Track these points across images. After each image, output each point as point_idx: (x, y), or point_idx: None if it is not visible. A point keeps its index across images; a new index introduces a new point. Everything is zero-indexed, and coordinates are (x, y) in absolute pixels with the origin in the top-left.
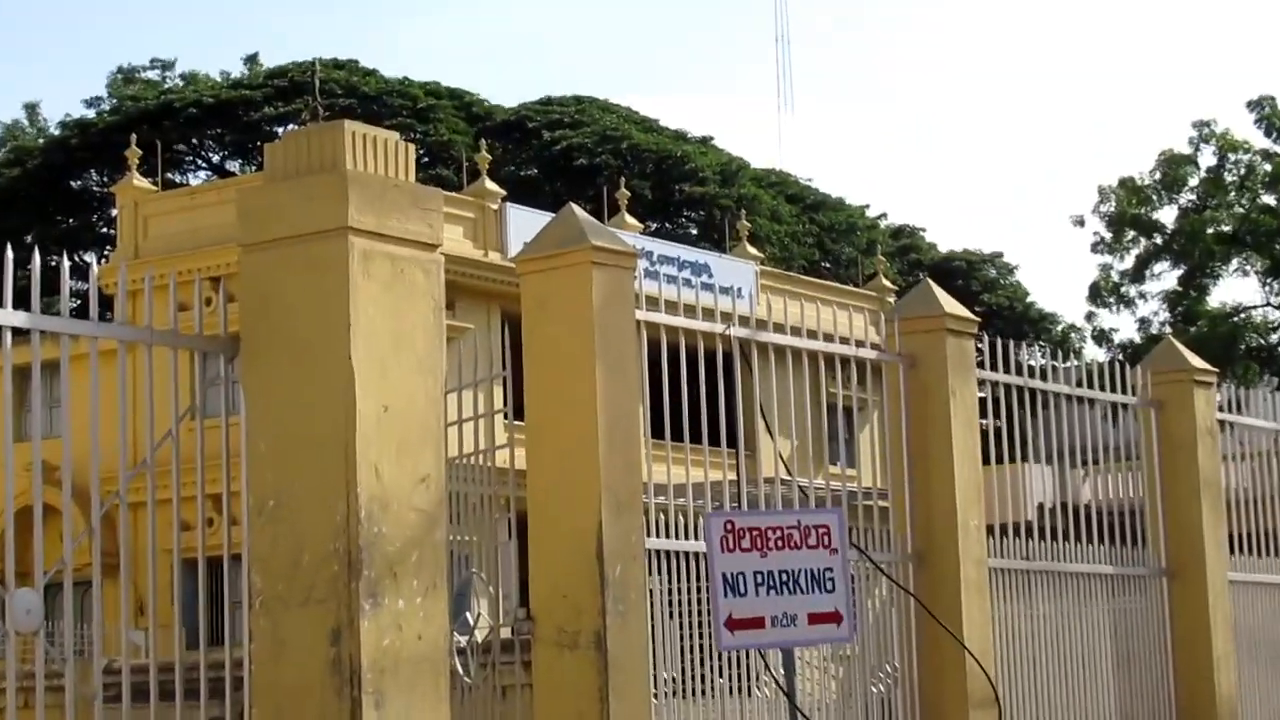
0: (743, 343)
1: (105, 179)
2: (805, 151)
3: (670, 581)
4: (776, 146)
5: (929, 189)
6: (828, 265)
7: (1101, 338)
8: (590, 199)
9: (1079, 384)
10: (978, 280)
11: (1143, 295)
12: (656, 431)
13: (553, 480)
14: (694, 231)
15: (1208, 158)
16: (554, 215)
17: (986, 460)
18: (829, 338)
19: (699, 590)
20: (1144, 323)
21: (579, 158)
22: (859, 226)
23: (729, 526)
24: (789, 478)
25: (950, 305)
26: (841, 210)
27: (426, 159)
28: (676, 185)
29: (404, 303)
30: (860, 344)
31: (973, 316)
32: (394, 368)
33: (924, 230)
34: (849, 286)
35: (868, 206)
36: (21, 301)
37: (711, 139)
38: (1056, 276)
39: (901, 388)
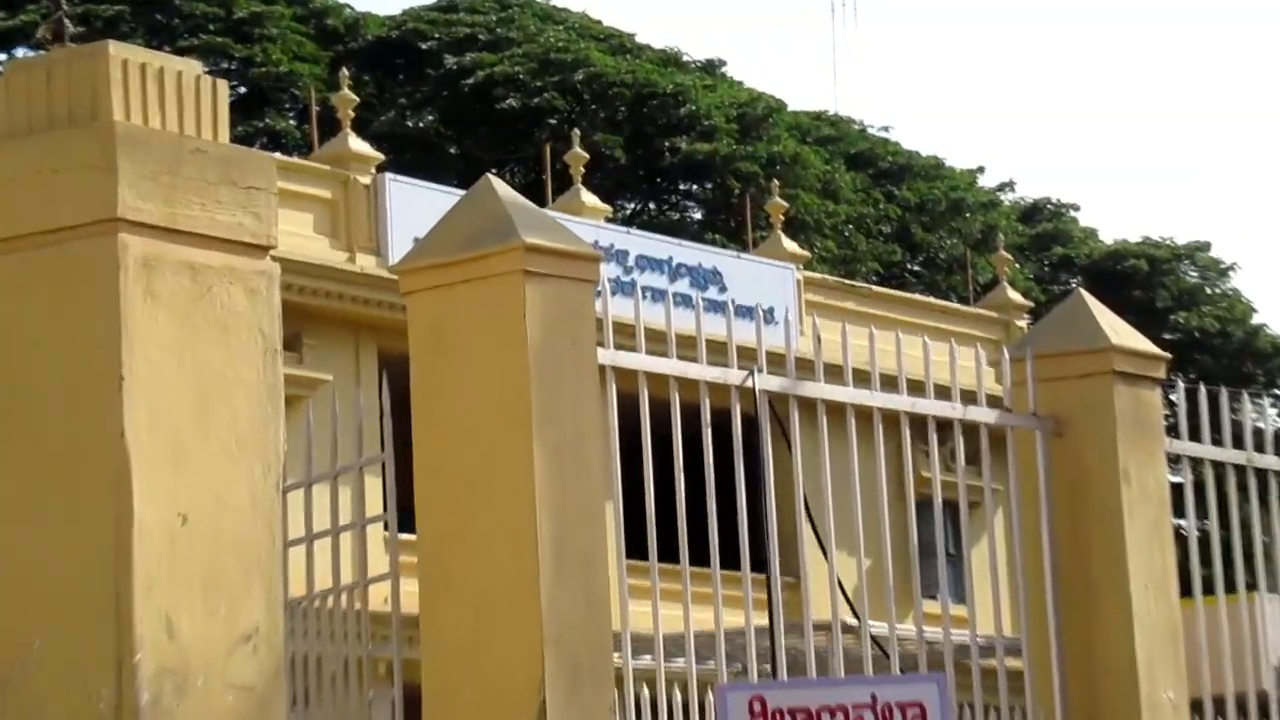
0: (775, 399)
1: None
2: (872, 90)
3: None
4: (829, 77)
5: (1076, 148)
6: (917, 268)
7: None
8: (524, 165)
9: None
10: (1167, 290)
11: None
12: (636, 547)
13: (464, 633)
14: (696, 216)
15: None
16: (463, 193)
17: (1189, 590)
18: (918, 388)
19: None
20: None
21: (504, 98)
22: (968, 205)
23: (757, 707)
24: (855, 621)
25: (1121, 333)
26: (938, 178)
27: (252, 104)
28: (666, 141)
29: (213, 342)
30: (971, 398)
31: (1159, 351)
32: (197, 450)
33: (1075, 209)
34: (952, 303)
35: (980, 171)
36: None
37: (721, 66)
38: None
39: (1041, 469)
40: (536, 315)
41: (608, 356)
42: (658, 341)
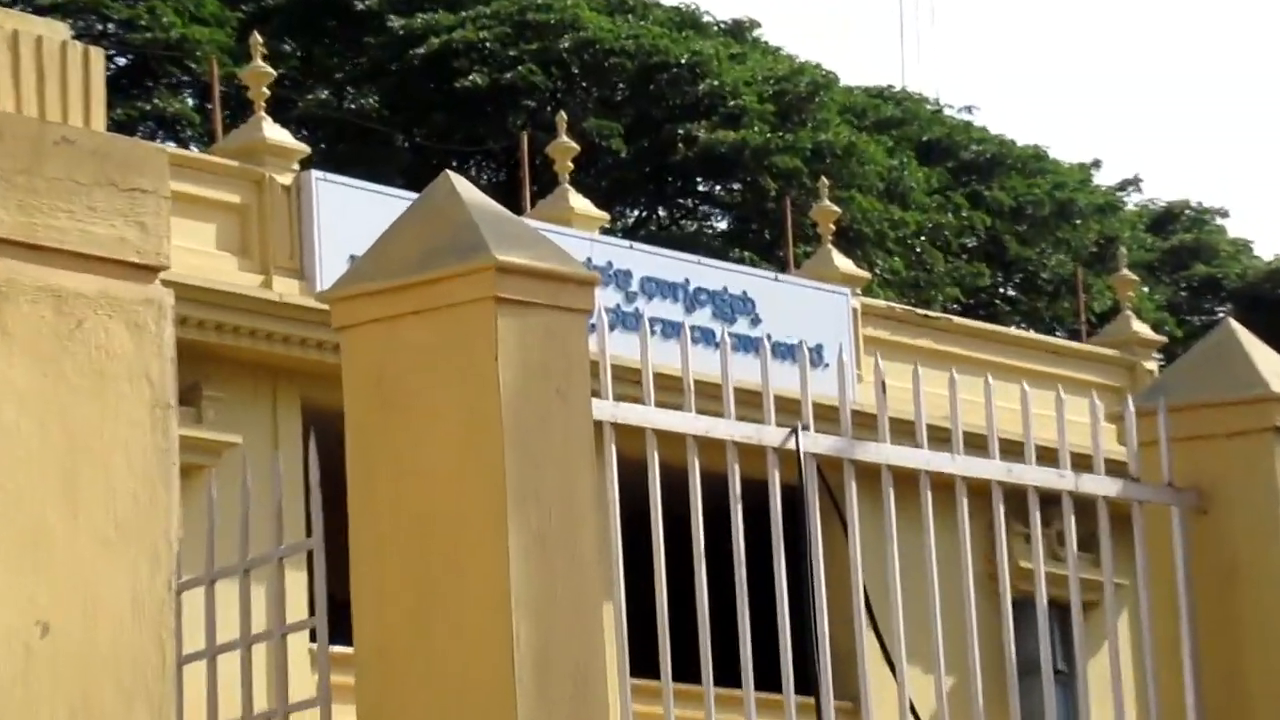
0: (826, 464)
1: None
2: (950, 61)
3: None
4: (893, 43)
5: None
6: (1012, 293)
7: None
8: (494, 160)
9: None
10: None
11: None
12: (644, 662)
13: None
14: (720, 226)
15: None
16: (414, 196)
17: None
18: (1015, 450)
19: None
20: None
21: (466, 71)
22: (1080, 209)
23: None
24: None
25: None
26: (1039, 175)
27: (137, 79)
28: (680, 128)
29: (84, 394)
30: (1086, 464)
31: None
32: (63, 538)
33: (1221, 215)
34: (1059, 339)
35: (1095, 167)
36: None
37: (752, 29)
38: None
39: (1179, 556)
40: (513, 356)
41: (606, 410)
42: (671, 390)
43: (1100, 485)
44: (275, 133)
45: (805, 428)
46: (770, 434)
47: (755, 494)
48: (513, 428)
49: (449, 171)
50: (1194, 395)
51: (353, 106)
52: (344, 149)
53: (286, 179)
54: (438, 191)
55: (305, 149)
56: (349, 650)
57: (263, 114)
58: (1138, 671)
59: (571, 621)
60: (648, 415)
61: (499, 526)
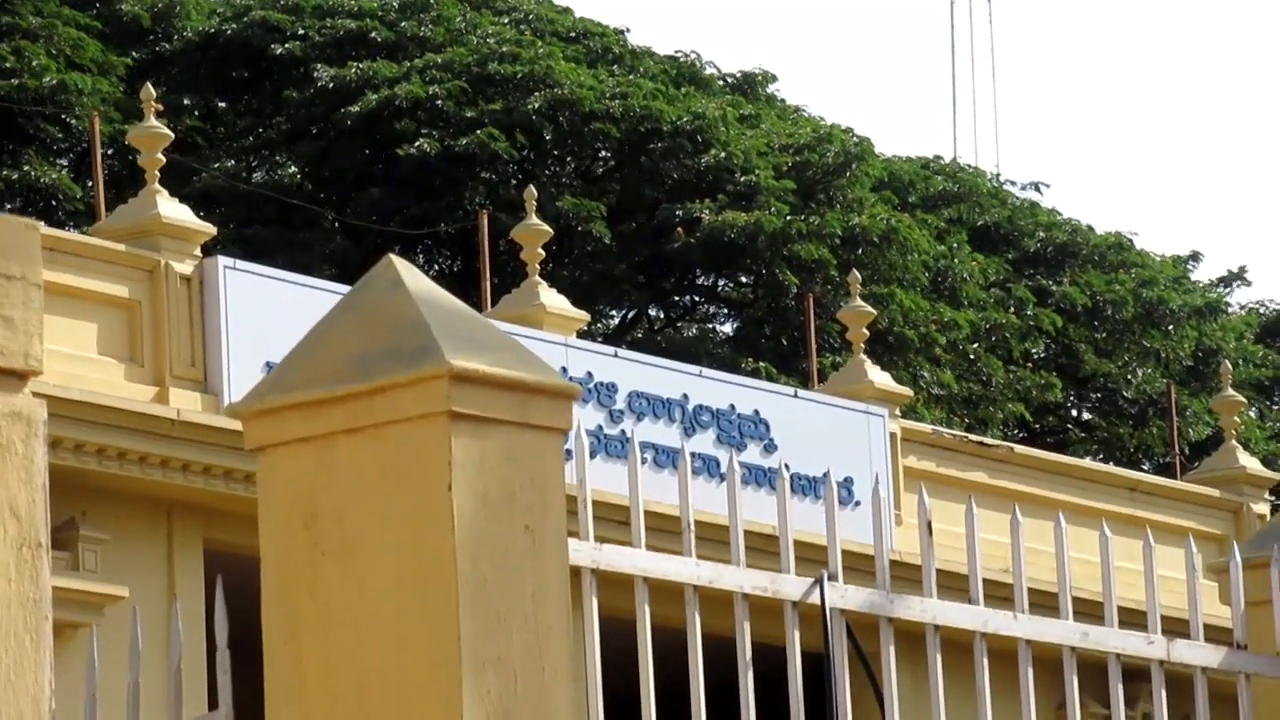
0: (857, 623)
1: None
2: (1013, 135)
3: None
4: (942, 108)
5: None
6: (1087, 417)
7: None
8: (447, 245)
9: None
10: None
11: None
12: None
13: None
14: (726, 330)
15: None
16: (346, 289)
17: None
18: (1093, 610)
19: None
20: None
21: (412, 135)
22: (1173, 312)
23: None
24: None
25: None
26: (1122, 268)
27: (1, 138)
28: (678, 208)
29: None
30: (1180, 628)
31: None
32: None
33: None
34: (1146, 474)
35: (1194, 261)
36: None
37: (768, 84)
38: None
39: None
40: (471, 485)
41: (586, 553)
42: (667, 532)
43: (1198, 654)
44: (173, 209)
45: (833, 578)
46: (789, 585)
47: (770, 659)
48: (470, 574)
49: (392, 256)
50: None
51: (269, 178)
52: (258, 230)
53: (186, 267)
54: (378, 281)
55: (210, 229)
56: None
57: (157, 186)
58: None
59: None
60: (638, 560)
61: (452, 699)
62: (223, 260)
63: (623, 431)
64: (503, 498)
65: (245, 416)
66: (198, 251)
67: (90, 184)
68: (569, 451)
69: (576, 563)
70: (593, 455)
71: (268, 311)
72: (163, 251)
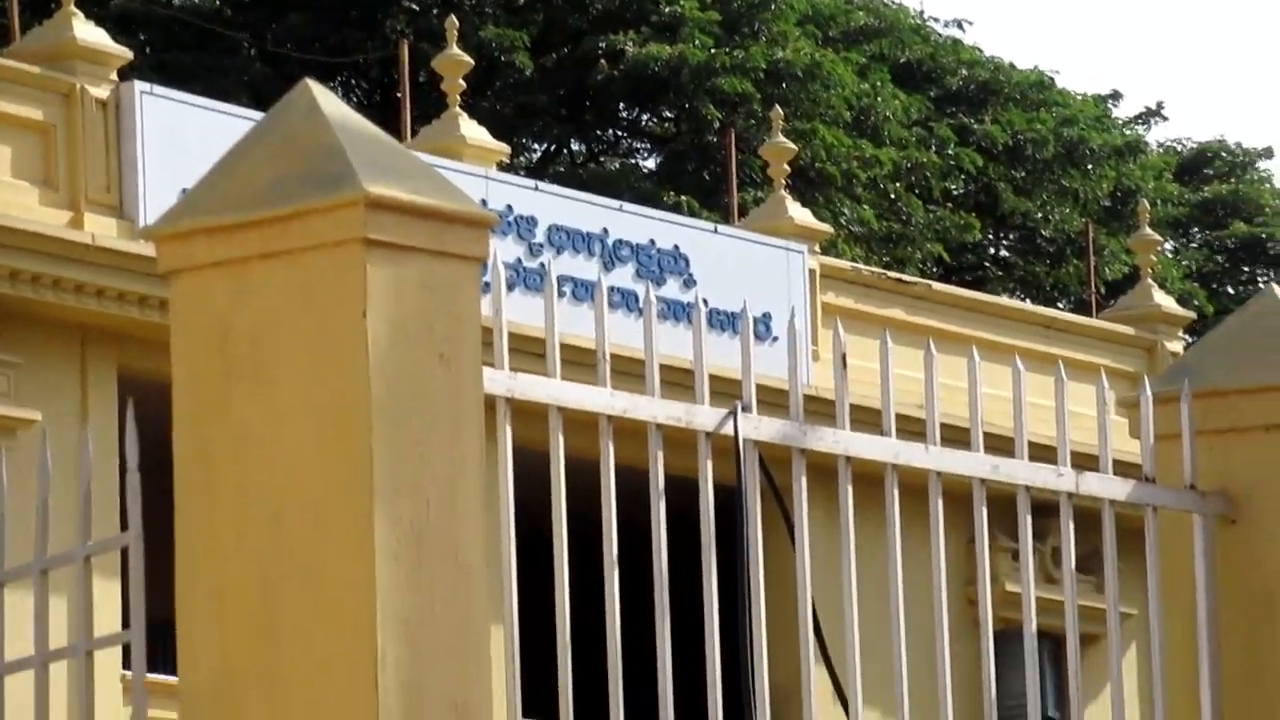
0: (770, 455)
1: None
2: None
3: None
4: None
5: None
6: (1006, 254)
7: None
8: (365, 75)
9: None
10: None
11: None
12: (540, 698)
13: None
14: (648, 165)
15: None
16: (262, 115)
17: None
18: (1000, 445)
19: None
20: None
21: None
22: (1093, 151)
23: None
24: None
25: None
26: (1043, 107)
27: None
28: (600, 40)
29: None
30: (1088, 463)
31: None
32: None
33: (1265, 157)
34: (1063, 312)
35: (1114, 100)
36: None
37: None
38: None
39: (1201, 576)
40: (385, 312)
41: (501, 382)
42: (583, 366)
43: (1107, 487)
44: (89, 33)
45: (746, 409)
46: (703, 416)
47: (683, 492)
48: (384, 401)
49: (310, 81)
50: (1226, 379)
51: (188, 1)
52: (175, 56)
53: (102, 91)
54: (295, 107)
55: (127, 54)
56: (172, 680)
57: (73, 9)
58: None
59: (451, 642)
60: (552, 390)
61: (364, 523)
62: (139, 85)
63: (542, 265)
64: (418, 326)
65: (158, 240)
66: (114, 76)
67: (5, 5)
68: (487, 284)
69: (491, 391)
70: (511, 288)
71: (184, 137)
72: (79, 75)
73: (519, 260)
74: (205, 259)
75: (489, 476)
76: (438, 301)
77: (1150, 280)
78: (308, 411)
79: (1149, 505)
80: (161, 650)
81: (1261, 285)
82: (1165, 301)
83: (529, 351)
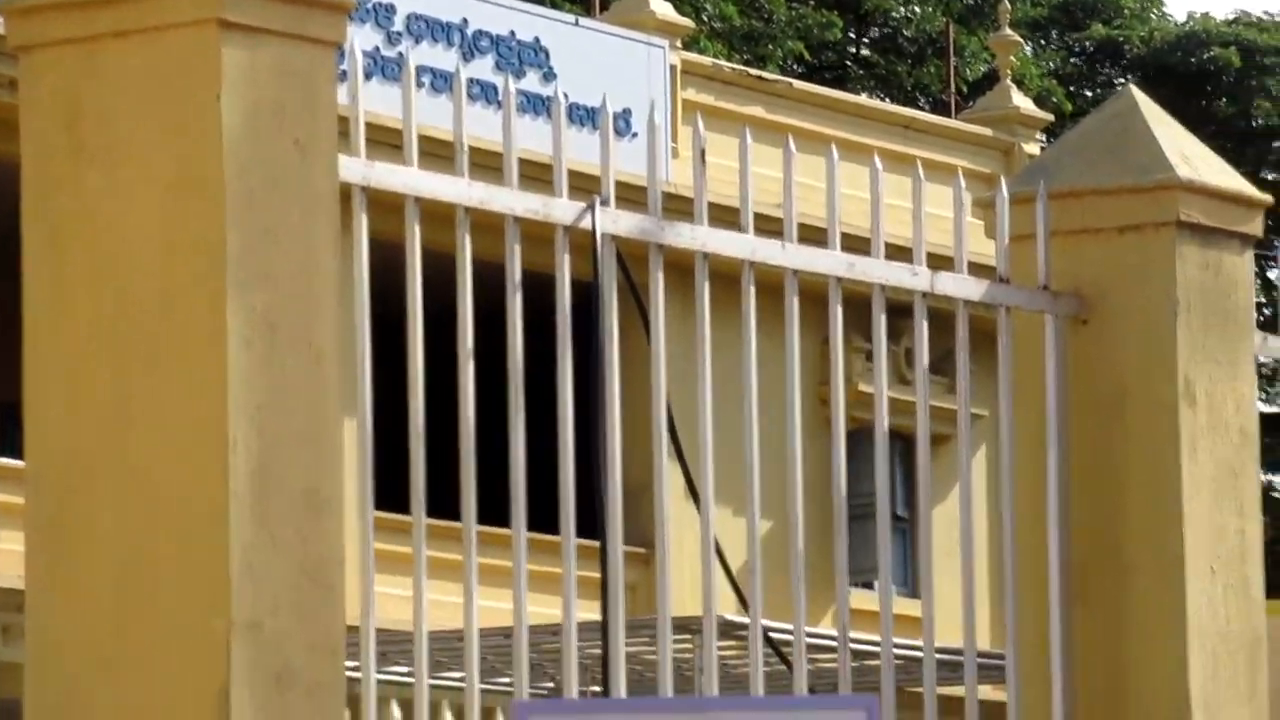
0: (628, 250)
1: None
2: None
3: None
4: None
5: None
6: (866, 53)
7: None
8: None
9: None
10: (1270, 101)
11: None
12: (392, 492)
13: (100, 616)
14: None
15: None
16: None
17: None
18: (858, 245)
19: None
20: None
21: None
22: None
23: None
24: (743, 619)
25: (1194, 160)
26: None
27: None
28: None
29: None
30: (942, 263)
31: (1256, 194)
32: None
33: None
34: (922, 112)
35: None
36: None
37: None
38: None
39: (1051, 376)
40: (240, 95)
41: (357, 170)
42: (441, 157)
43: (961, 287)
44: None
45: (605, 203)
46: (561, 208)
47: (541, 287)
48: (238, 185)
49: None
50: (1081, 180)
51: None
52: None
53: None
54: None
55: None
56: (18, 464)
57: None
58: (993, 519)
59: (303, 430)
60: (409, 179)
61: (216, 308)
62: None
63: (400, 54)
64: (272, 109)
65: (7, 14)
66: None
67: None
68: (344, 73)
69: (347, 179)
70: (369, 77)
71: None
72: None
73: (377, 49)
74: (56, 35)
75: (345, 267)
76: (293, 86)
77: (1009, 81)
78: (159, 195)
79: (1002, 305)
80: (9, 434)
81: (1119, 87)
82: (1024, 103)
83: (386, 143)
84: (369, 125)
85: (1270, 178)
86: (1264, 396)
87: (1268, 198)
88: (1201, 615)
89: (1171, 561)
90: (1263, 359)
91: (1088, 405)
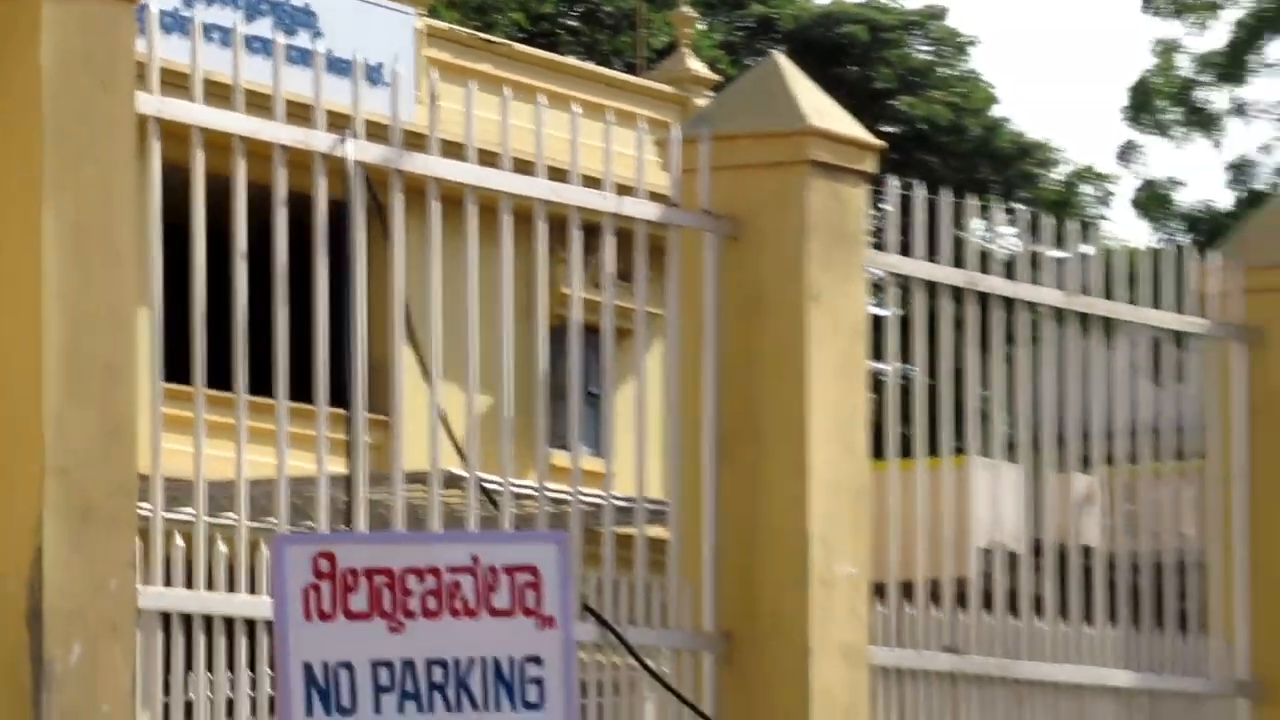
0: (376, 176)
1: None
2: None
3: (201, 686)
4: None
5: None
6: (575, 23)
7: (1153, 199)
8: None
9: (1092, 290)
10: (889, 68)
11: (1242, 109)
12: (178, 366)
13: None
14: None
15: None
16: None
17: (882, 451)
18: (559, 176)
19: (257, 703)
20: (1241, 169)
21: None
22: None
23: (324, 566)
24: (462, 472)
25: (824, 113)
26: None
27: None
28: None
29: None
30: (627, 191)
31: (869, 138)
32: None
33: None
34: (617, 73)
35: None
36: None
37: None
38: (1058, 66)
39: (709, 283)
40: (56, 44)
41: (151, 105)
42: (223, 99)
43: (641, 209)
44: None
45: (354, 135)
46: (319, 139)
47: (303, 208)
48: (53, 116)
49: None
50: (735, 126)
51: None
52: None
53: None
54: None
55: None
56: None
57: None
58: (663, 396)
59: (106, 316)
60: (194, 112)
61: (33, 215)
62: None
63: (192, 16)
64: (81, 55)
65: None
66: None
67: None
68: (143, 30)
69: (143, 111)
70: (167, 32)
71: None
72: None
73: (177, 11)
74: None
75: (142, 183)
76: (99, 36)
77: (685, 49)
78: None
79: (673, 225)
80: None
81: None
82: (697, 67)
83: (176, 84)
84: (164, 70)
85: (887, 130)
86: (874, 301)
87: (882, 143)
88: (820, 470)
89: (797, 429)
90: (872, 271)
91: (737, 306)
